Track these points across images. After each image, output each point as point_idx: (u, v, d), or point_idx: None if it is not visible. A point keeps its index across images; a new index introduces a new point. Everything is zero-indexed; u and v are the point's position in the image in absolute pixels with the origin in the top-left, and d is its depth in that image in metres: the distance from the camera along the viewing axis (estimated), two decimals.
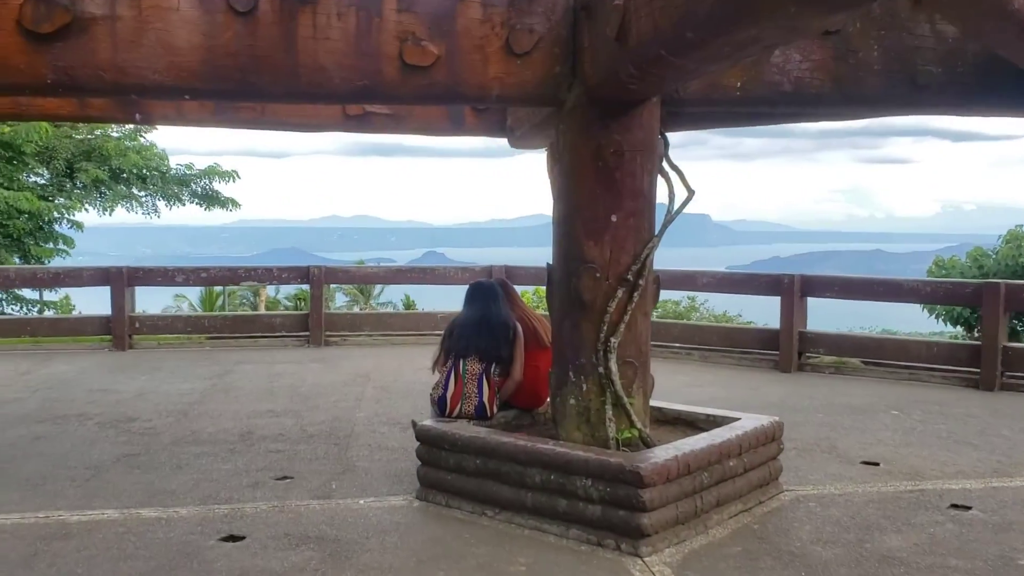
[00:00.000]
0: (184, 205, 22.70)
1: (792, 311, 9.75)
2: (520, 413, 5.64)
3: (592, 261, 4.88)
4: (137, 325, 10.90)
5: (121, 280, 10.72)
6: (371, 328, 11.34)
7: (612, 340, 4.86)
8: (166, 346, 11.08)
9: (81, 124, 21.35)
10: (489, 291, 5.61)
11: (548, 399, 5.61)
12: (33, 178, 21.32)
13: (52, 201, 18.59)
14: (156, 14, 4.32)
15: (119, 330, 10.75)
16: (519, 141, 7.40)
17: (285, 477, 5.59)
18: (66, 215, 19.52)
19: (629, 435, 4.87)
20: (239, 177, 22.58)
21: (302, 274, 11.19)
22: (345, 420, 7.26)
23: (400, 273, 11.34)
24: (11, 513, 4.81)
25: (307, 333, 11.13)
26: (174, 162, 22.46)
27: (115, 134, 21.95)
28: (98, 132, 21.25)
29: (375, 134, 7.73)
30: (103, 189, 21.28)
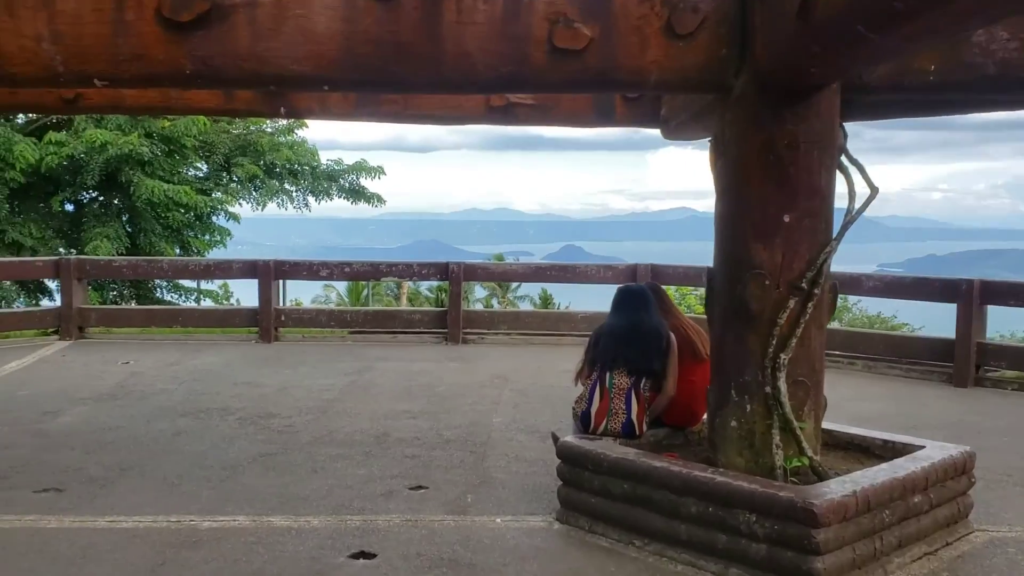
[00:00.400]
0: (332, 199, 23.24)
1: (970, 319, 8.78)
2: (671, 432, 5.15)
3: (761, 266, 4.35)
4: (283, 318, 11.02)
5: (268, 274, 10.86)
6: (509, 327, 11.06)
7: (782, 356, 4.31)
8: (309, 339, 11.17)
9: (237, 120, 22.24)
10: (639, 296, 5.13)
11: (703, 418, 5.11)
12: (192, 171, 22.35)
13: (209, 195, 19.30)
14: (296, 0, 4.10)
15: (265, 323, 10.89)
16: (674, 132, 6.89)
17: (420, 487, 5.32)
18: (222, 208, 20.24)
19: (799, 463, 4.32)
20: (384, 173, 22.90)
21: (441, 270, 11.03)
22: (482, 425, 6.96)
23: (539, 271, 11.00)
24: (145, 515, 4.74)
25: (445, 330, 10.95)
26: (323, 157, 23.04)
27: (269, 130, 22.70)
28: (253, 128, 22.01)
29: (518, 126, 7.38)
30: (257, 183, 22.03)
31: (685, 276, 10.74)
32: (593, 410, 4.86)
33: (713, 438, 4.60)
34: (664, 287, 6.08)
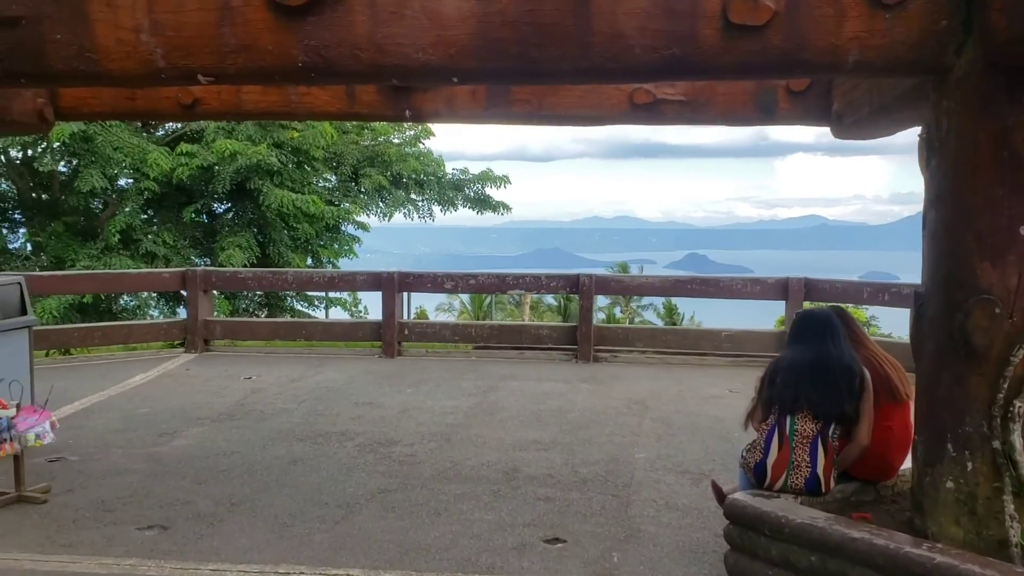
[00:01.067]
0: (457, 209, 22.99)
1: None
2: (861, 487, 4.27)
3: (988, 290, 3.45)
4: (406, 332, 10.59)
5: (392, 286, 10.45)
6: (644, 344, 10.26)
7: (1016, 404, 3.42)
8: (433, 354, 10.69)
9: (365, 130, 22.30)
10: (825, 323, 4.24)
11: (899, 470, 4.23)
12: (321, 183, 22.53)
13: (338, 206, 19.28)
14: None
15: (389, 336, 10.48)
16: (850, 130, 5.98)
17: (556, 539, 4.63)
18: (351, 218, 20.21)
19: None
20: (509, 182, 22.49)
21: (571, 283, 10.35)
22: (623, 462, 6.22)
23: (678, 284, 10.15)
24: (252, 563, 4.23)
25: (575, 347, 10.26)
26: (448, 167, 22.83)
27: (396, 141, 22.65)
28: (381, 139, 22.00)
29: (666, 125, 6.61)
30: (384, 194, 21.98)
31: (844, 292, 9.67)
32: (770, 462, 4.03)
33: (920, 500, 3.72)
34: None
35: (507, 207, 22.94)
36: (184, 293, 15.62)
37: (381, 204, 22.19)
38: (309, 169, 20.98)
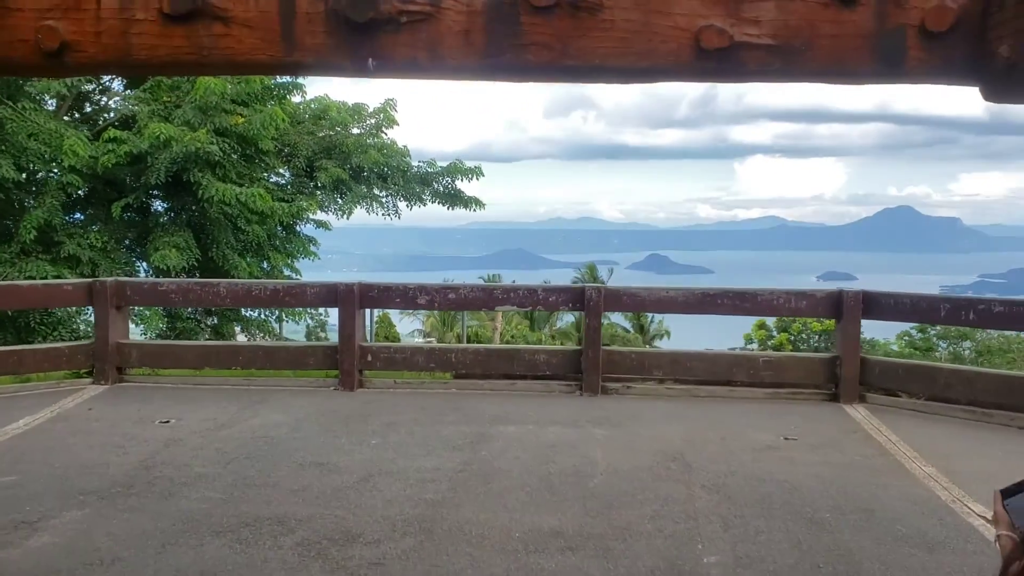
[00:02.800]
0: (425, 205, 20.93)
1: None
2: None
3: None
4: (369, 358, 8.54)
5: (351, 301, 8.40)
6: (663, 372, 8.32)
7: None
8: (403, 385, 8.64)
9: (322, 119, 20.19)
10: None
11: None
12: (274, 178, 20.35)
13: (290, 202, 17.09)
14: None
15: (347, 364, 8.44)
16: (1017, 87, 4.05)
17: None
18: (305, 217, 18.03)
19: None
20: (482, 175, 20.50)
21: (574, 297, 8.38)
22: (689, 573, 4.25)
23: (707, 300, 8.19)
24: None
25: (579, 377, 8.32)
26: (415, 161, 20.76)
27: (356, 130, 20.53)
28: (338, 128, 19.88)
29: (745, 82, 4.65)
30: (343, 189, 19.86)
31: (914, 309, 7.81)
32: None
33: None
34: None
35: (480, 203, 20.95)
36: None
37: (339, 200, 20.10)
38: (259, 163, 18.83)
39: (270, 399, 8.12)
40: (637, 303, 8.37)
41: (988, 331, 47.68)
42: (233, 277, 17.18)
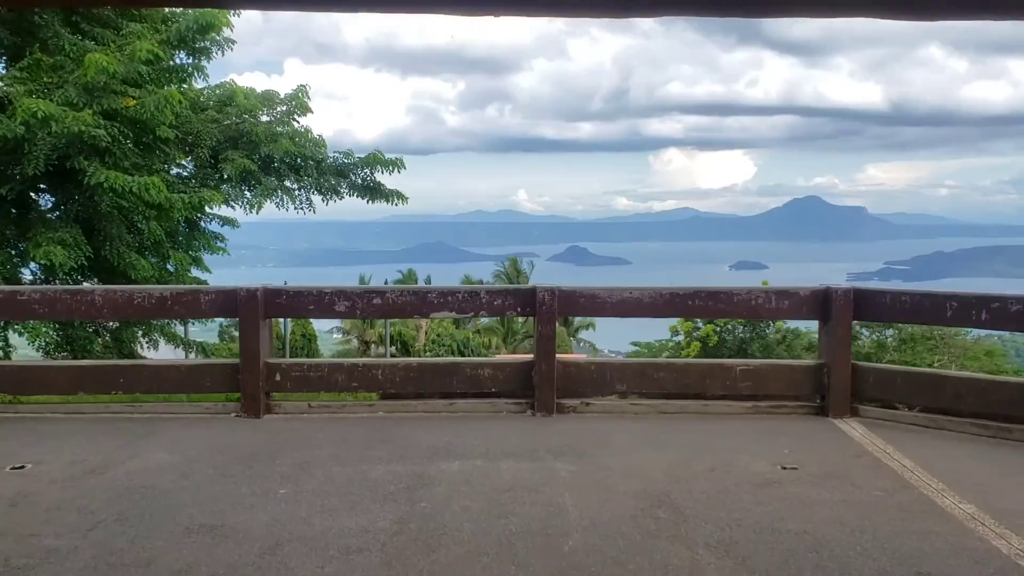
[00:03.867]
0: (342, 198, 19.41)
1: None
2: None
3: None
4: (278, 378, 7.13)
5: (254, 309, 6.97)
6: (628, 385, 7.15)
7: None
8: (320, 408, 7.25)
9: (227, 106, 18.50)
10: None
11: None
12: (176, 169, 18.54)
13: (189, 194, 15.35)
14: None
15: (251, 386, 7.02)
16: None
17: None
18: (208, 211, 16.30)
19: None
20: (404, 167, 19.07)
21: (524, 300, 7.12)
22: None
23: (676, 301, 6.99)
24: None
25: (531, 395, 7.09)
26: (331, 151, 19.19)
27: (265, 118, 18.86)
28: (246, 116, 18.18)
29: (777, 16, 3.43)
30: (251, 181, 18.19)
31: (915, 310, 6.75)
32: None
33: None
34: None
35: (403, 196, 19.54)
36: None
37: (248, 193, 18.43)
38: (158, 153, 17.06)
39: (157, 432, 6.64)
40: (596, 306, 7.15)
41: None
42: (130, 278, 15.47)
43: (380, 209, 20.60)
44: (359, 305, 7.10)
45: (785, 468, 5.70)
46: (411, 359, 7.85)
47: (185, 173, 19.03)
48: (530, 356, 7.26)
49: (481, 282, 64.26)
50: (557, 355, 7.08)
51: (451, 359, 7.20)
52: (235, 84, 19.00)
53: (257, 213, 18.48)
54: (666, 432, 6.58)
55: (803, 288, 7.10)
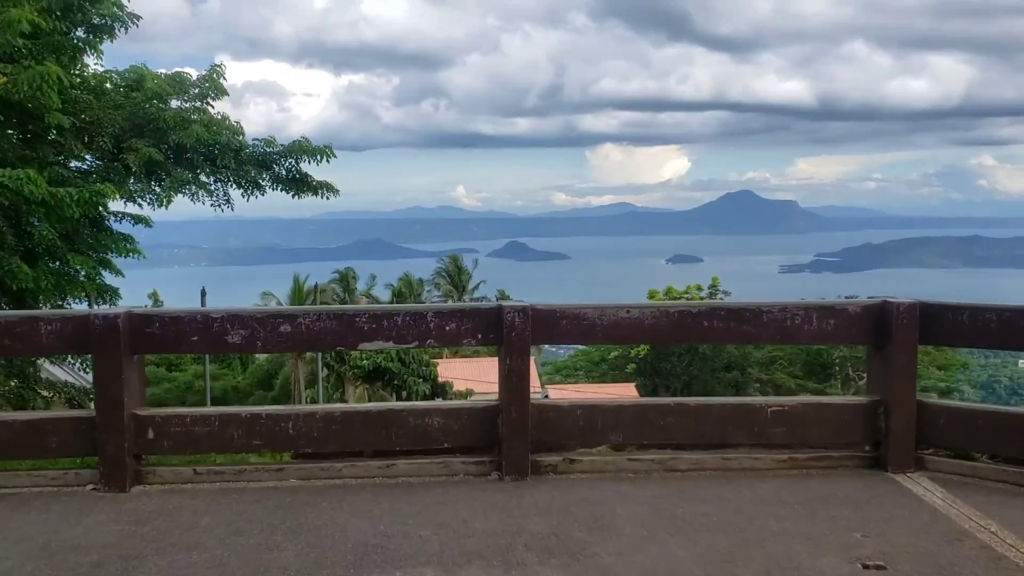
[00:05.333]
0: (264, 192, 17.31)
1: None
2: None
3: None
4: (151, 435, 5.19)
5: (114, 343, 5.02)
6: (625, 434, 5.38)
7: None
8: (210, 477, 5.31)
9: (135, 91, 16.28)
10: None
11: None
12: (75, 163, 16.24)
13: (80, 187, 13.09)
14: None
15: (112, 447, 5.08)
16: None
17: None
18: (102, 204, 14.04)
19: None
20: (333, 155, 17.05)
21: (487, 323, 5.26)
22: None
23: (685, 321, 5.18)
24: None
25: (496, 450, 5.29)
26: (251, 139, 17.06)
27: (175, 103, 16.64)
28: (154, 101, 15.96)
29: None
30: (160, 174, 15.99)
31: (1004, 330, 5.12)
32: None
33: None
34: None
35: (332, 189, 17.51)
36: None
37: (156, 187, 16.25)
38: (48, 144, 14.85)
39: None
40: (583, 329, 5.35)
41: None
42: (8, 288, 13.30)
43: (317, 205, 18.92)
44: (261, 335, 5.18)
45: (868, 567, 3.99)
46: (334, 406, 5.96)
47: (85, 166, 16.80)
48: (493, 398, 5.43)
49: (421, 282, 61.98)
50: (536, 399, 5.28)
51: (388, 405, 5.34)
52: (145, 68, 16.73)
53: (166, 208, 16.31)
54: (684, 504, 4.83)
55: (852, 303, 5.40)
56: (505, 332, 5.21)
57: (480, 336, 5.35)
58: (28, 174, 11.32)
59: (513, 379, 5.24)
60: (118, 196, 13.52)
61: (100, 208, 16.02)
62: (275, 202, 18.13)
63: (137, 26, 16.39)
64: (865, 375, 5.92)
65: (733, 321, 5.37)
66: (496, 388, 5.45)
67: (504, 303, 5.30)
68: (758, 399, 5.54)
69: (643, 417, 5.42)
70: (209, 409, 5.38)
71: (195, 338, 5.22)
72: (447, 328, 5.30)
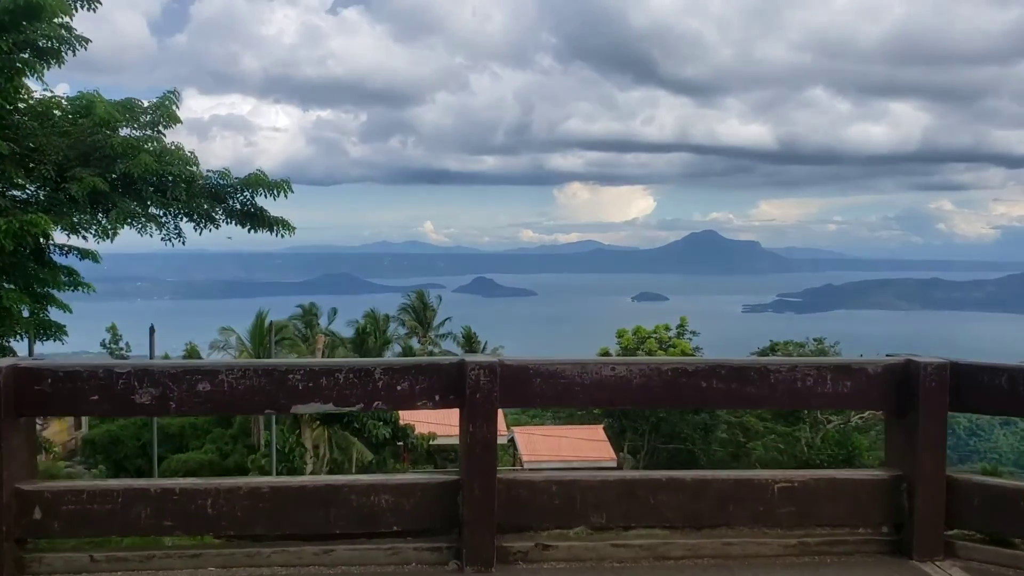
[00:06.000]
0: (218, 226, 16.38)
1: None
2: None
3: None
4: (38, 515, 4.27)
5: None
6: (609, 514, 4.56)
7: None
8: (111, 563, 4.39)
9: (82, 118, 15.44)
10: None
11: None
12: (13, 192, 15.25)
13: (8, 220, 12.12)
14: None
15: None
16: None
17: None
18: (32, 234, 13.02)
19: None
20: (291, 190, 16.20)
21: (446, 381, 4.41)
22: None
23: (681, 381, 4.41)
24: None
25: (455, 533, 4.44)
26: (205, 168, 16.17)
27: (124, 131, 15.74)
28: (103, 129, 15.06)
29: None
30: (106, 204, 15.04)
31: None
32: None
33: None
34: None
35: (289, 226, 16.66)
36: None
37: (101, 218, 15.29)
38: None
39: None
40: (560, 389, 4.53)
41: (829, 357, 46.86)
42: None
43: (283, 240, 17.82)
44: (175, 394, 4.30)
45: None
46: (261, 480, 5.06)
47: (24, 195, 15.83)
48: (451, 474, 4.59)
49: (387, 318, 60.75)
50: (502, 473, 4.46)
51: (326, 479, 4.50)
52: (96, 95, 15.83)
53: (111, 241, 15.36)
54: None
55: (872, 363, 4.65)
56: (468, 393, 4.39)
57: (438, 397, 4.51)
58: None
59: (477, 450, 4.40)
60: (53, 227, 12.50)
61: (41, 239, 15.11)
62: (240, 236, 17.26)
63: (85, 49, 15.54)
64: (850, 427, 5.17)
65: (735, 382, 4.59)
66: (457, 431, 4.64)
67: (468, 358, 4.48)
68: (763, 473, 4.74)
69: (631, 494, 4.60)
70: (112, 482, 4.47)
71: (95, 397, 4.32)
72: (399, 388, 4.45)
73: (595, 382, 4.57)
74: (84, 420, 54.93)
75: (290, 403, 4.45)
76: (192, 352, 57.60)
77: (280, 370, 4.42)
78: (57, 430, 51.61)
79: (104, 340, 62.65)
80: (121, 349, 58.61)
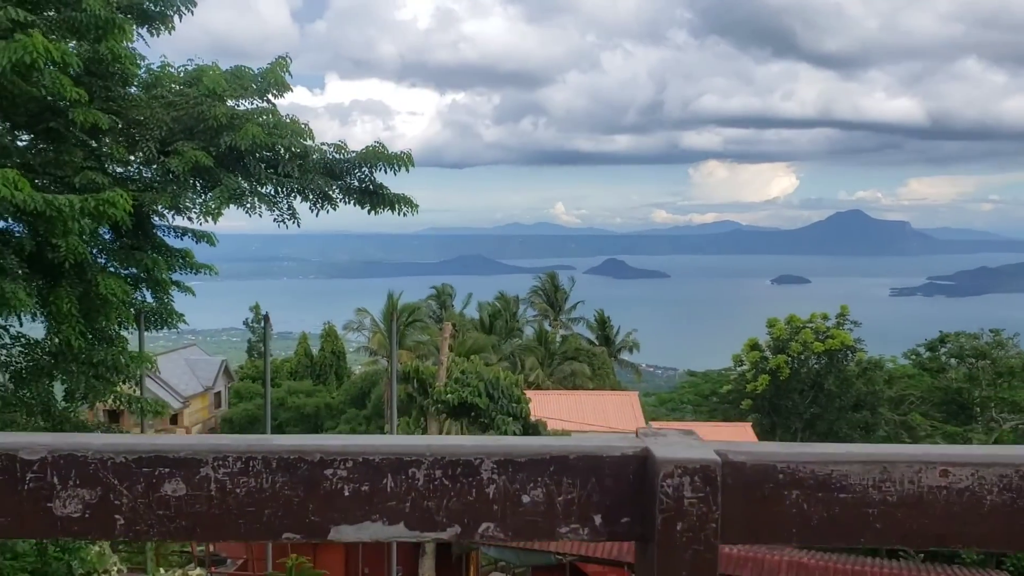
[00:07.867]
0: (336, 207, 14.72)
1: None
2: None
3: None
4: None
5: None
6: None
7: None
8: None
9: (191, 88, 14.06)
10: None
11: None
12: (116, 168, 14.11)
13: (84, 198, 10.69)
14: None
15: None
16: None
17: None
18: (109, 217, 11.57)
19: None
20: (412, 164, 14.33)
21: (617, 489, 2.36)
22: None
23: None
24: None
25: None
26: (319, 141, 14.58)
27: (230, 103, 14.28)
28: (208, 99, 13.62)
29: None
30: (205, 180, 13.64)
31: None
32: None
33: None
34: None
35: (412, 204, 14.78)
36: None
37: (203, 196, 13.92)
38: (79, 146, 12.75)
39: None
40: (836, 517, 2.35)
41: (1007, 349, 42.17)
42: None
43: (419, 222, 16.34)
44: (123, 500, 2.34)
45: None
46: None
47: (126, 173, 14.69)
48: None
49: (517, 300, 59.09)
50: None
51: None
52: (209, 65, 14.44)
53: (215, 222, 13.94)
54: None
55: None
56: (660, 519, 2.20)
57: (599, 519, 2.32)
58: (4, 174, 8.93)
59: None
60: (129, 205, 10.95)
61: (151, 218, 14.02)
62: (380, 217, 15.67)
63: (192, 13, 14.20)
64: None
65: None
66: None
67: (656, 445, 2.29)
68: None
69: None
70: None
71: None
72: (524, 499, 2.30)
73: (910, 499, 2.28)
74: (224, 398, 56.02)
75: (326, 521, 2.37)
76: (329, 333, 57.32)
77: (310, 460, 2.35)
78: (198, 407, 52.74)
79: (247, 319, 63.84)
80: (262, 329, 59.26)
